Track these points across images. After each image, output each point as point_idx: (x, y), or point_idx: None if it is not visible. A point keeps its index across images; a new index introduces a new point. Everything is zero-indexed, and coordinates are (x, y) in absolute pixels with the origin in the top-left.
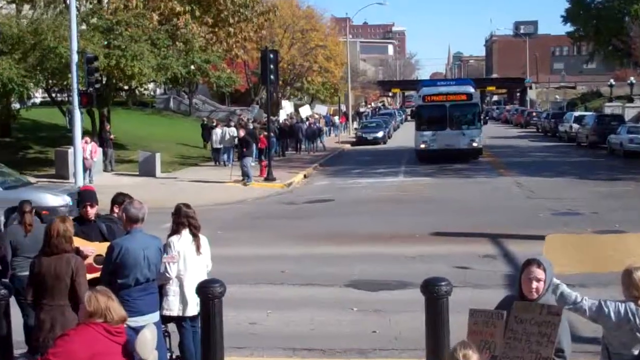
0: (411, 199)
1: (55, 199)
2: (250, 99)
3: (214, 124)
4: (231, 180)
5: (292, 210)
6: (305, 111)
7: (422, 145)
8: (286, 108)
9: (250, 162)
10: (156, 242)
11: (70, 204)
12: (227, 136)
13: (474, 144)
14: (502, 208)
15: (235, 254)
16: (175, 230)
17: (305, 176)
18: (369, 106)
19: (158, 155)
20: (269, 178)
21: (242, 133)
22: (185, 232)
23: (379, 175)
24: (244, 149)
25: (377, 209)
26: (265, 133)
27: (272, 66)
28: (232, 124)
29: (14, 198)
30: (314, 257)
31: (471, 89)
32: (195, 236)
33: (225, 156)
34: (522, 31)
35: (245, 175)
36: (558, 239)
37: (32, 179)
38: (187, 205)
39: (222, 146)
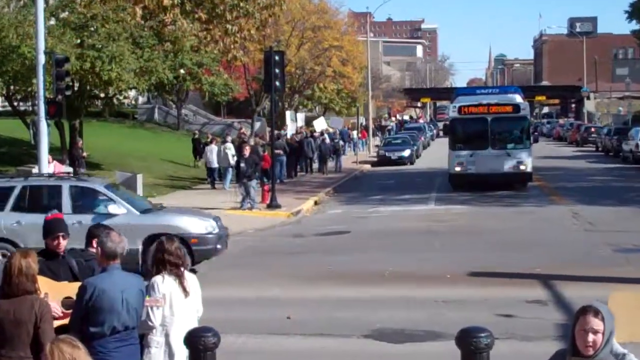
0: (444, 231)
1: (202, 225)
2: (250, 109)
3: (209, 139)
4: (239, 206)
5: (299, 243)
6: (320, 124)
7: (457, 169)
8: (293, 120)
9: (255, 184)
10: (137, 282)
11: (216, 230)
12: (223, 154)
13: (522, 167)
14: (554, 243)
15: (232, 297)
16: (158, 270)
17: (316, 203)
18: (394, 119)
19: (140, 177)
20: (273, 205)
21: (247, 150)
22: (168, 272)
23: (404, 202)
24: (249, 169)
25: (402, 243)
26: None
27: (277, 70)
28: (229, 139)
29: (153, 224)
30: (326, 301)
31: (518, 99)
32: (178, 276)
33: (226, 177)
34: (577, 29)
35: (250, 200)
36: (626, 298)
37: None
38: (170, 240)
39: (218, 166)
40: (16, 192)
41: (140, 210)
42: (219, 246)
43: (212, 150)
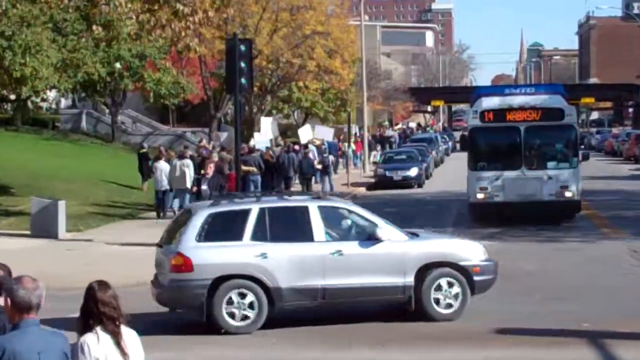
0: None
1: (479, 250)
2: (208, 115)
3: (160, 154)
4: None
5: None
6: (305, 133)
7: (480, 196)
8: (265, 128)
9: None
10: (59, 342)
11: (485, 258)
12: (179, 172)
13: (568, 194)
14: (607, 290)
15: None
16: (87, 324)
17: None
18: (396, 127)
19: (62, 204)
20: None
21: (210, 169)
22: (101, 328)
23: None
24: (213, 193)
25: None
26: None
27: (243, 64)
28: (188, 154)
29: (427, 251)
30: None
31: (562, 101)
32: (115, 334)
33: (177, 202)
34: (636, 10)
35: None
36: None
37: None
38: (104, 285)
39: (169, 188)
40: (253, 216)
41: (406, 234)
42: (497, 275)
43: (162, 169)
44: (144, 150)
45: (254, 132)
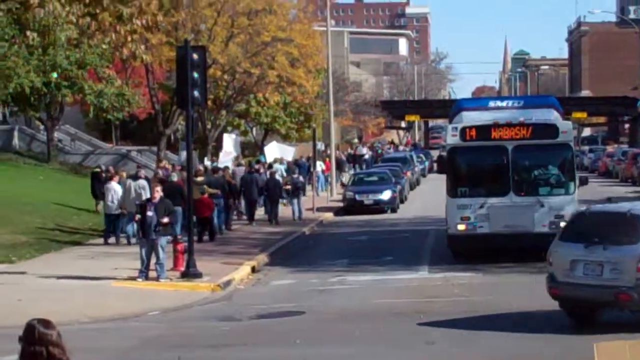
0: (442, 312)
1: None
2: (156, 131)
3: (109, 174)
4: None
5: (230, 332)
6: (272, 151)
7: (461, 227)
8: (228, 146)
9: (164, 243)
10: None
11: None
12: (134, 194)
13: (563, 224)
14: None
15: None
16: None
17: (254, 270)
18: (367, 144)
19: None
20: (190, 273)
21: (157, 192)
22: None
23: (383, 268)
24: (159, 220)
25: (378, 331)
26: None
27: (195, 75)
28: (143, 174)
29: None
30: None
31: (555, 116)
32: None
33: (131, 227)
34: (632, 16)
35: (157, 265)
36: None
37: None
38: (46, 324)
39: (120, 212)
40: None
41: None
42: None
43: (113, 190)
44: (98, 170)
45: (207, 150)
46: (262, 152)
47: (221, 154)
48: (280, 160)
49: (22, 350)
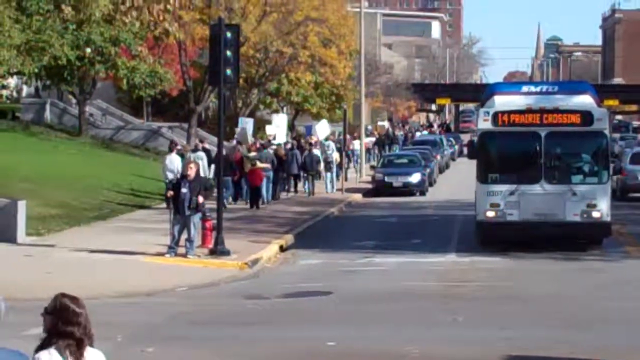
0: (470, 296)
1: None
2: (187, 108)
3: (173, 145)
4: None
5: (257, 310)
6: (322, 129)
7: (490, 214)
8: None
9: (198, 220)
10: None
11: None
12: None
13: (596, 214)
14: (633, 316)
15: None
16: (46, 342)
17: (282, 248)
18: (404, 127)
19: (22, 205)
20: (218, 251)
21: (192, 170)
22: (64, 345)
23: (412, 251)
24: (193, 198)
25: (406, 311)
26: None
27: (229, 53)
28: (201, 147)
29: None
30: None
31: (591, 102)
32: (77, 353)
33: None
34: None
35: (188, 241)
36: None
37: None
38: (72, 298)
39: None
40: None
41: None
42: None
43: (172, 161)
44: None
45: (266, 129)
46: (293, 130)
47: (269, 128)
48: (331, 138)
49: (54, 326)
